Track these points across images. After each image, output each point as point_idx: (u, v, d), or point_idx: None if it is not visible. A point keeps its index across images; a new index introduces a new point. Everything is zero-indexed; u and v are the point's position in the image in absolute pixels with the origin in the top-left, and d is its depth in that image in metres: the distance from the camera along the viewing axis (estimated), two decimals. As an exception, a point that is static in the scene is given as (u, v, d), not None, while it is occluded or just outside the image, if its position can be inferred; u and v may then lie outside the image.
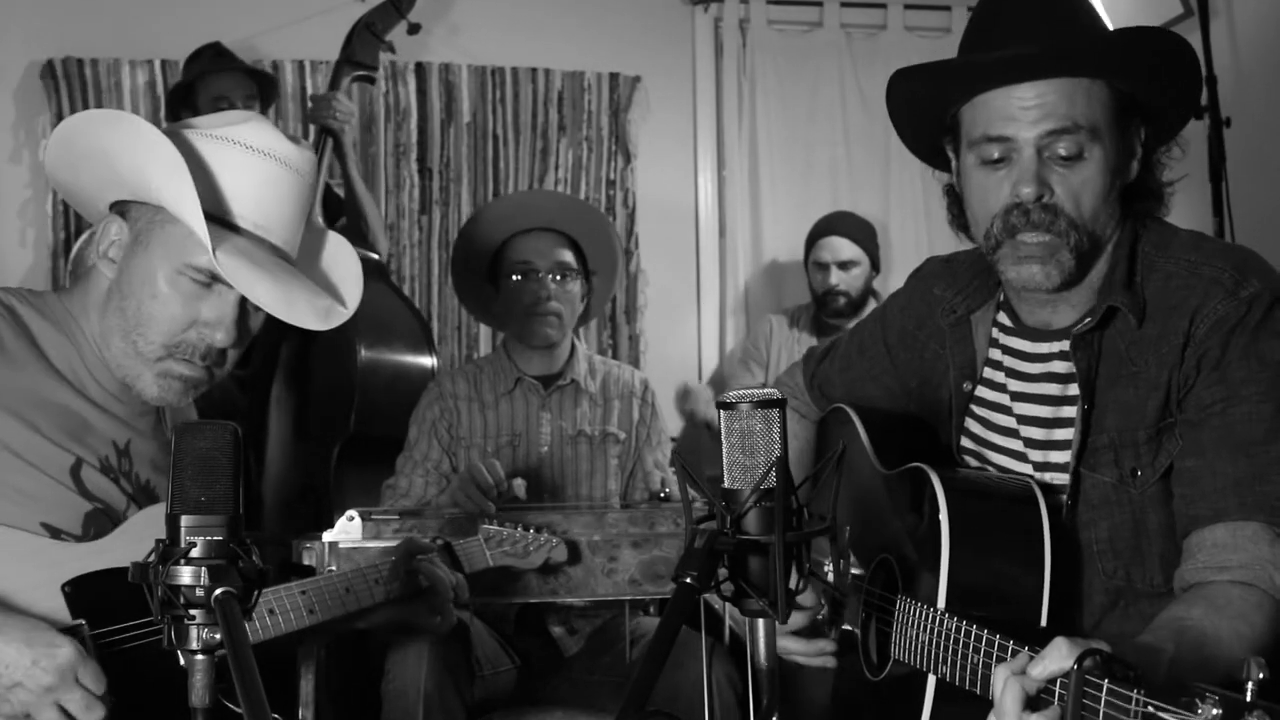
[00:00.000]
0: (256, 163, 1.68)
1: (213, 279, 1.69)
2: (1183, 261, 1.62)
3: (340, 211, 3.72)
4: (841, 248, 4.06)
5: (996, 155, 1.60)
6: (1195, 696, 1.06)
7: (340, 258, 1.88)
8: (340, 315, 1.77)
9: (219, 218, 1.67)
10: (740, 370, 4.25)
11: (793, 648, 1.85)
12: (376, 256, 3.68)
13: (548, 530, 2.44)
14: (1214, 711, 1.04)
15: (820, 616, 1.88)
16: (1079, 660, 1.21)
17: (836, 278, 4.04)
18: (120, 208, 1.75)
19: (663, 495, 2.76)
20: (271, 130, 1.70)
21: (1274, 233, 3.41)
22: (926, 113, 1.71)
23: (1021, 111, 1.57)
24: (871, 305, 4.07)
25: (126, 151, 1.64)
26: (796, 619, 1.85)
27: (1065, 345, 1.67)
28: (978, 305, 1.79)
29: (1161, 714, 1.10)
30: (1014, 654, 1.36)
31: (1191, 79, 1.67)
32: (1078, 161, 1.57)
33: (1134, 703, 1.14)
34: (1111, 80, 1.59)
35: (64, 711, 1.53)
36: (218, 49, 3.72)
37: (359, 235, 3.66)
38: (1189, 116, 1.73)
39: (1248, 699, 1.03)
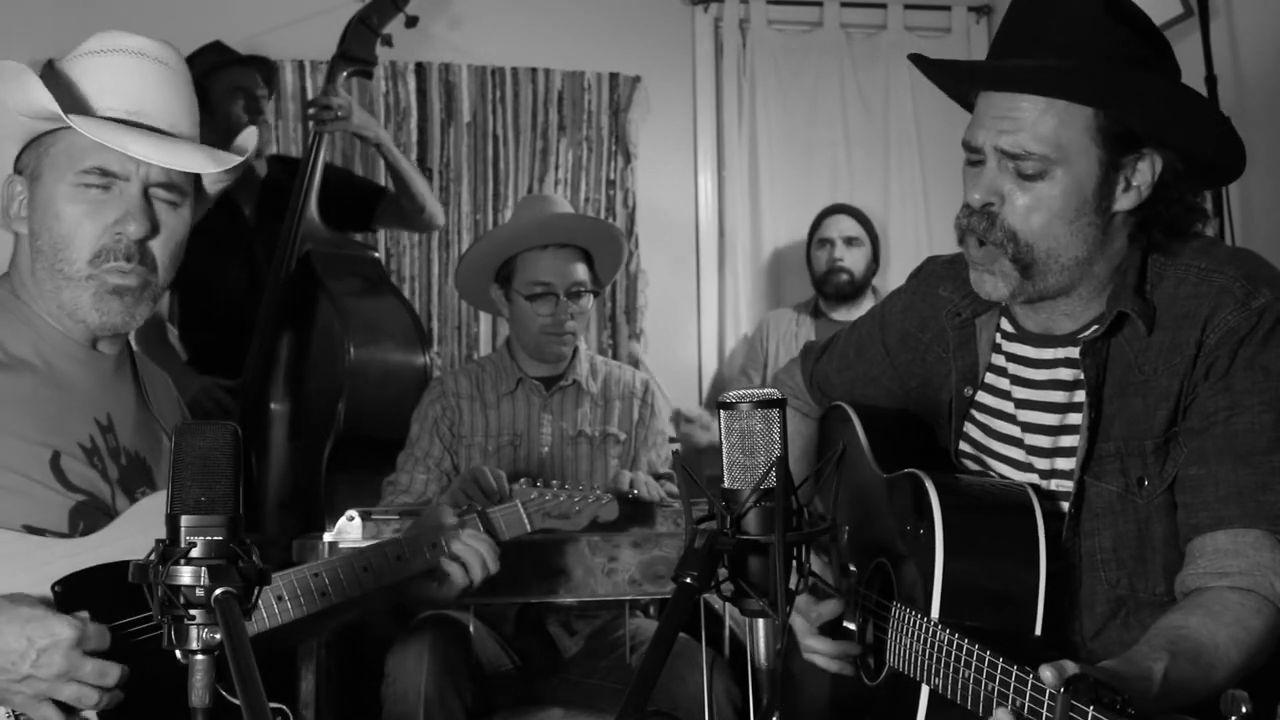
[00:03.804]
0: (108, 61, 1.72)
1: (104, 175, 1.69)
2: (1192, 268, 1.61)
3: (377, 203, 3.73)
4: (846, 225, 4.18)
5: (971, 159, 1.62)
6: (1177, 731, 1.07)
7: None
8: (230, 159, 1.75)
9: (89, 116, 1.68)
10: (740, 380, 4.31)
11: (817, 646, 1.80)
12: (376, 258, 3.70)
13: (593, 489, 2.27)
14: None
15: (846, 617, 1.83)
16: (1065, 685, 1.21)
17: (840, 252, 4.12)
18: (16, 167, 1.75)
19: (630, 495, 2.64)
20: (119, 34, 1.75)
21: (1274, 233, 3.41)
22: (953, 96, 1.74)
23: (992, 121, 1.57)
24: (869, 300, 4.11)
25: None
26: (824, 609, 1.80)
27: (1072, 352, 1.66)
28: (983, 309, 1.77)
29: (1145, 744, 1.10)
30: (1004, 672, 1.35)
31: (1197, 128, 1.59)
32: (1037, 180, 1.56)
33: None
34: (1101, 109, 1.54)
35: (67, 703, 1.51)
36: (219, 46, 3.71)
37: (417, 220, 3.73)
38: (1217, 163, 1.65)
39: None
